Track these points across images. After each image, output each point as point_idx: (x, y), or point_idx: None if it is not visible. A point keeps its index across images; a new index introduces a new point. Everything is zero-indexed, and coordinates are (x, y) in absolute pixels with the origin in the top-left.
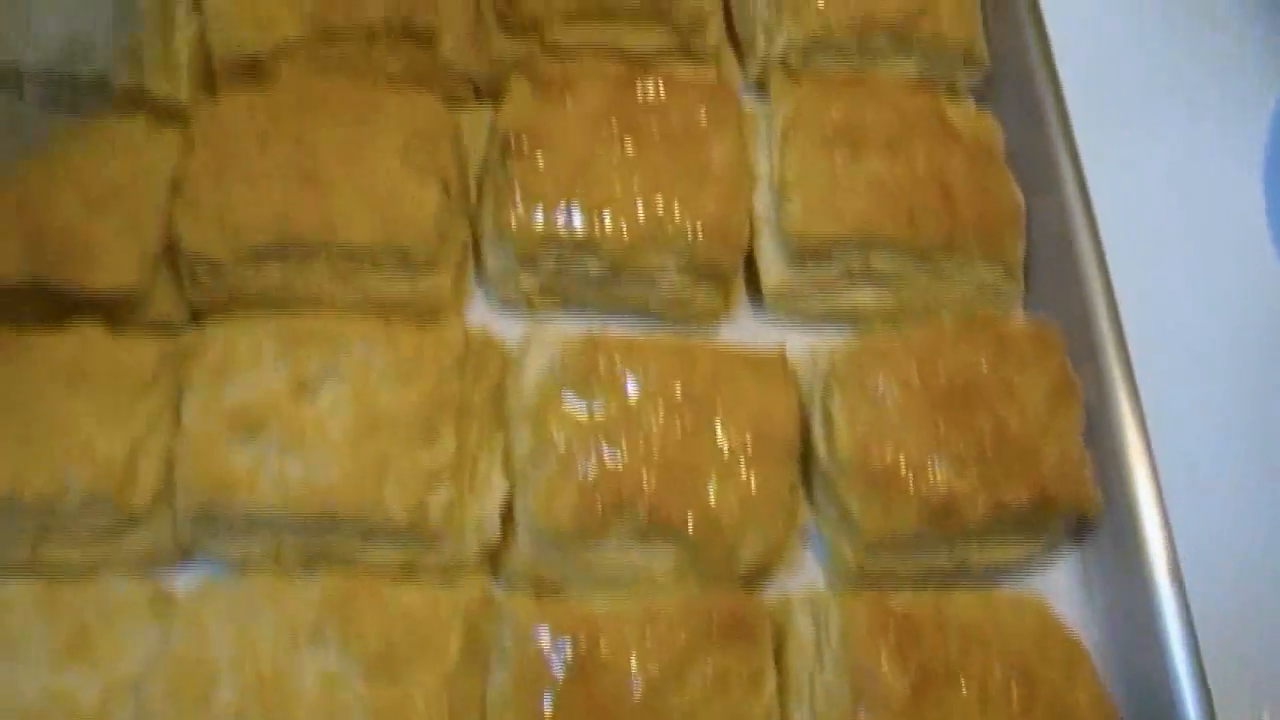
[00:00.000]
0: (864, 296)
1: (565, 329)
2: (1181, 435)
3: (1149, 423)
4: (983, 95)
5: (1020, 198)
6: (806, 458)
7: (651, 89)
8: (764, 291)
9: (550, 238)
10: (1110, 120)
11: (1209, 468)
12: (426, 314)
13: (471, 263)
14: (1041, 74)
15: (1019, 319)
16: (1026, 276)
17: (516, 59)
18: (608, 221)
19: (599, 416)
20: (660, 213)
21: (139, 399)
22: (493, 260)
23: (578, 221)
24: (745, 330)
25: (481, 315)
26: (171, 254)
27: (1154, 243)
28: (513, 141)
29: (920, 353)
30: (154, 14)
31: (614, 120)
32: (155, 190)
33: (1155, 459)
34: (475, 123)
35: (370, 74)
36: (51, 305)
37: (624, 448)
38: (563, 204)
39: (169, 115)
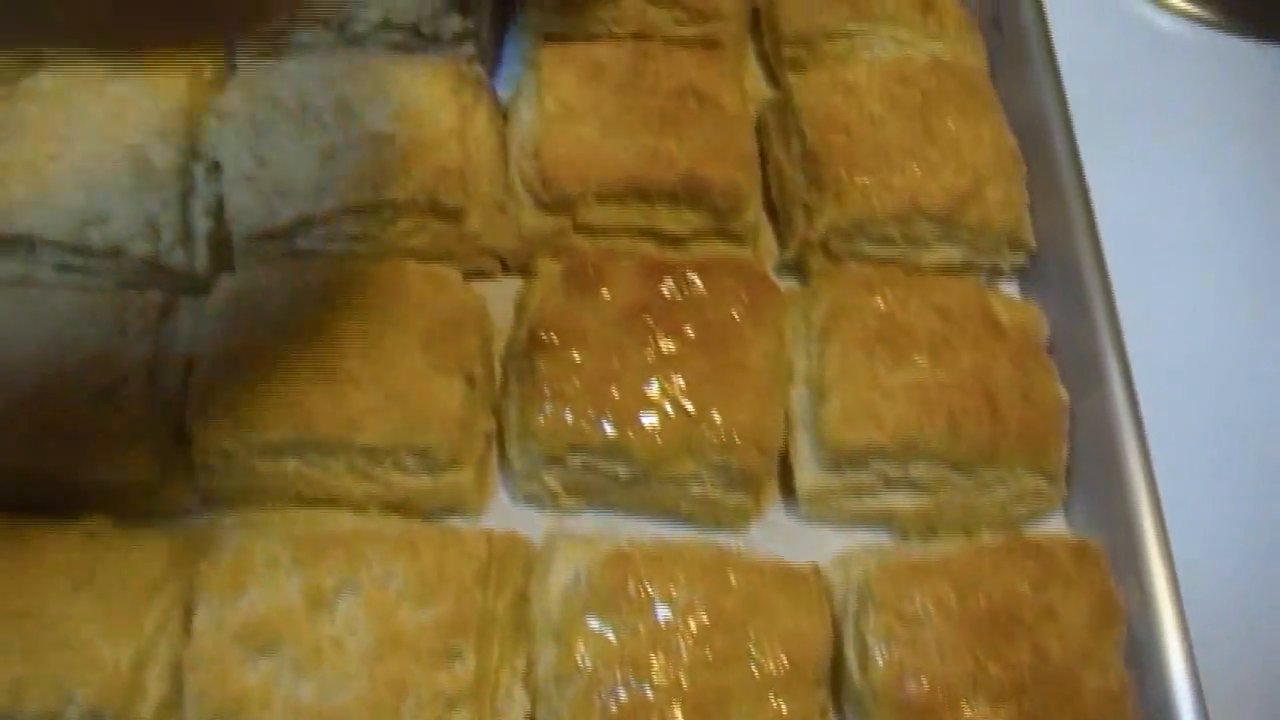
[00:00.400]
0: (900, 500)
1: (591, 528)
2: (1227, 653)
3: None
4: (1026, 274)
5: (1065, 397)
6: (837, 673)
7: (687, 281)
8: (798, 496)
9: (579, 442)
10: (1154, 301)
11: (1256, 688)
12: (449, 508)
13: (495, 454)
14: (1089, 262)
15: (1059, 524)
16: (1068, 473)
17: (546, 236)
18: (639, 427)
19: (626, 638)
20: (694, 418)
21: (148, 602)
22: (517, 456)
23: (607, 426)
24: (777, 529)
25: (505, 508)
26: (184, 440)
27: (1199, 437)
28: (542, 337)
29: (959, 574)
30: (172, 183)
31: (647, 316)
32: (168, 373)
33: (1200, 678)
34: (502, 295)
35: (393, 248)
36: (59, 491)
37: (652, 673)
38: (592, 408)
39: (185, 286)
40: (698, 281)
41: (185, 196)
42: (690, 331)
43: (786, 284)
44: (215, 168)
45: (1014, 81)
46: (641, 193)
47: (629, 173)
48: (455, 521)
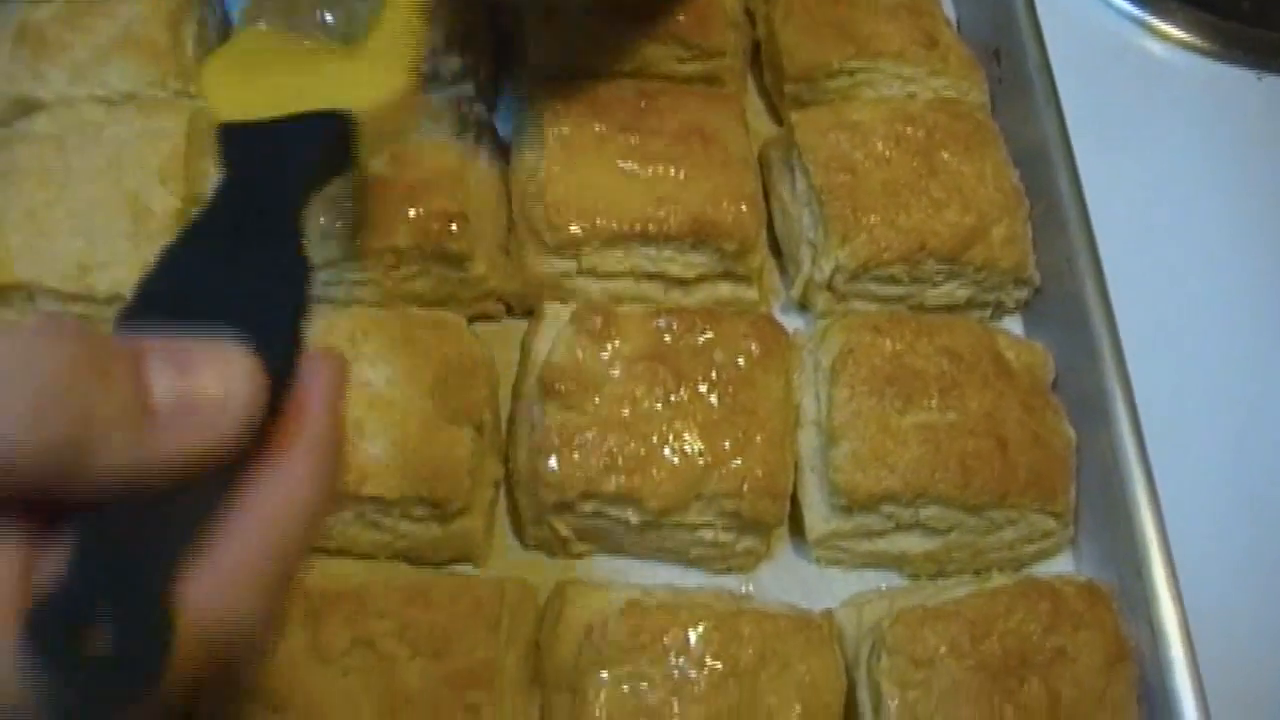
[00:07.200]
0: (911, 542)
1: (600, 574)
2: (1238, 690)
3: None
4: (1030, 308)
5: (1073, 437)
6: (850, 718)
7: (697, 329)
8: (808, 540)
9: (589, 490)
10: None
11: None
12: (457, 556)
13: (503, 501)
14: (1093, 296)
15: (1067, 563)
16: (1075, 512)
17: (551, 279)
18: (649, 475)
19: (642, 689)
20: (705, 466)
21: None
22: (526, 503)
23: (618, 474)
24: (787, 571)
25: (513, 553)
26: None
27: (1206, 471)
28: (552, 386)
29: (972, 617)
30: (171, 229)
31: (657, 364)
32: None
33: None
34: (505, 337)
35: (395, 293)
36: None
37: None
38: (602, 458)
39: None
40: (707, 330)
41: None
42: (700, 379)
43: (792, 322)
44: None
45: (1014, 114)
46: (648, 237)
47: (635, 217)
48: (464, 569)
